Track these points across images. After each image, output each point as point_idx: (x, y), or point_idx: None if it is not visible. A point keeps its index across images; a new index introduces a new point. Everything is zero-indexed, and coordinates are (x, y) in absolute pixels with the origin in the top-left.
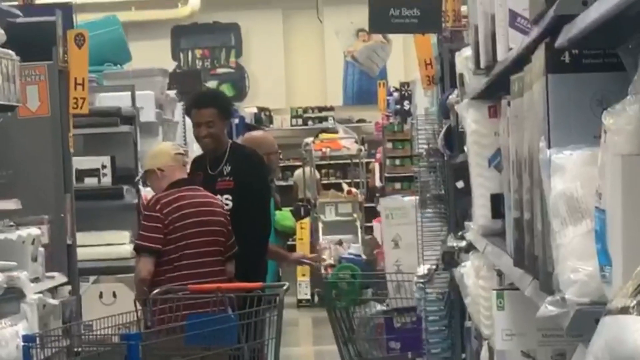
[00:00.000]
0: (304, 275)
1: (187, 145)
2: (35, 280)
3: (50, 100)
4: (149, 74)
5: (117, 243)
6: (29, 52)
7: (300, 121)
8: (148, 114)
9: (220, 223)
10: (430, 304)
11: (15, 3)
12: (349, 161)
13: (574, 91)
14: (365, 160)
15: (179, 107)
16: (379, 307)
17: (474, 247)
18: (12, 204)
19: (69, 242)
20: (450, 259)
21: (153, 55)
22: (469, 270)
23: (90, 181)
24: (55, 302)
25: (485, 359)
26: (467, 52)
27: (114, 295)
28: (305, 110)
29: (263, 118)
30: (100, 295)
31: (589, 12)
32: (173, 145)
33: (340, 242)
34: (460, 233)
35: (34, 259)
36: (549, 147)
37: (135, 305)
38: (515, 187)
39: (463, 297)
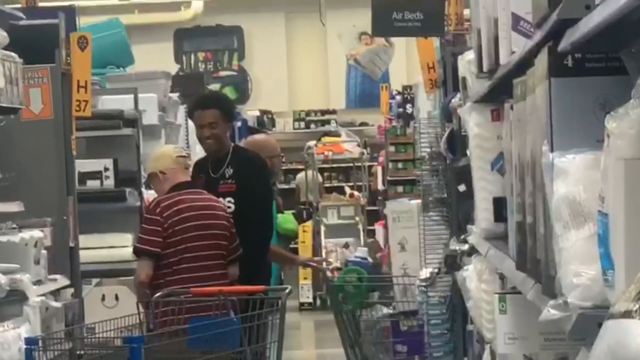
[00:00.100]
0: (305, 278)
1: (189, 148)
2: (38, 282)
3: (53, 103)
4: (151, 76)
5: (120, 246)
6: (32, 54)
7: (302, 124)
8: (151, 117)
9: (222, 226)
10: (432, 307)
11: (19, 6)
12: (351, 164)
13: (576, 95)
14: (367, 164)
15: (182, 109)
16: (385, 310)
17: (477, 250)
18: (14, 207)
19: (71, 244)
20: (452, 262)
21: (156, 58)
22: (471, 274)
23: (92, 184)
24: (57, 304)
25: None
26: (470, 55)
27: (117, 298)
28: (307, 114)
29: (265, 121)
30: (103, 298)
31: (592, 16)
32: (175, 148)
33: (346, 245)
34: (462, 236)
35: (37, 262)
36: (552, 150)
37: (138, 308)
38: (518, 191)
39: (465, 301)
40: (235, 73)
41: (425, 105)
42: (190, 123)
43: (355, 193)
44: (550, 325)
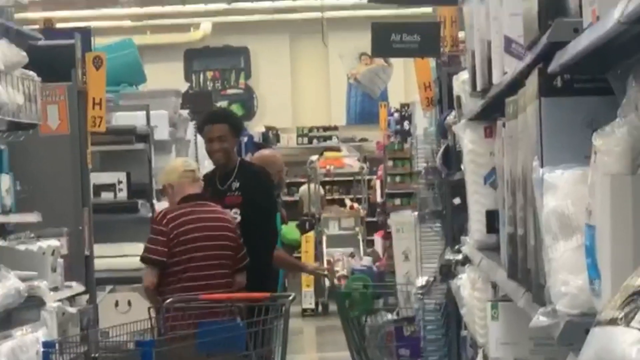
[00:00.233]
0: (308, 286)
1: (198, 162)
2: (55, 289)
3: (70, 119)
4: (162, 94)
5: (132, 254)
6: (50, 73)
7: (305, 140)
8: (162, 132)
9: (228, 237)
10: (428, 313)
11: (37, 27)
12: (351, 178)
13: (565, 114)
14: (367, 177)
15: (191, 126)
16: (389, 316)
17: (470, 260)
18: (33, 217)
19: (86, 253)
20: (447, 272)
21: (167, 76)
22: (465, 282)
23: (106, 196)
24: (73, 310)
25: None
26: (464, 75)
27: (129, 303)
28: (310, 130)
29: (270, 137)
30: (116, 304)
31: (580, 40)
32: (184, 162)
33: (352, 255)
34: (457, 247)
35: (54, 269)
36: (542, 166)
37: (150, 314)
38: (510, 204)
39: (459, 308)
40: (242, 91)
41: (422, 122)
42: (199, 138)
43: (355, 205)
44: (539, 331)
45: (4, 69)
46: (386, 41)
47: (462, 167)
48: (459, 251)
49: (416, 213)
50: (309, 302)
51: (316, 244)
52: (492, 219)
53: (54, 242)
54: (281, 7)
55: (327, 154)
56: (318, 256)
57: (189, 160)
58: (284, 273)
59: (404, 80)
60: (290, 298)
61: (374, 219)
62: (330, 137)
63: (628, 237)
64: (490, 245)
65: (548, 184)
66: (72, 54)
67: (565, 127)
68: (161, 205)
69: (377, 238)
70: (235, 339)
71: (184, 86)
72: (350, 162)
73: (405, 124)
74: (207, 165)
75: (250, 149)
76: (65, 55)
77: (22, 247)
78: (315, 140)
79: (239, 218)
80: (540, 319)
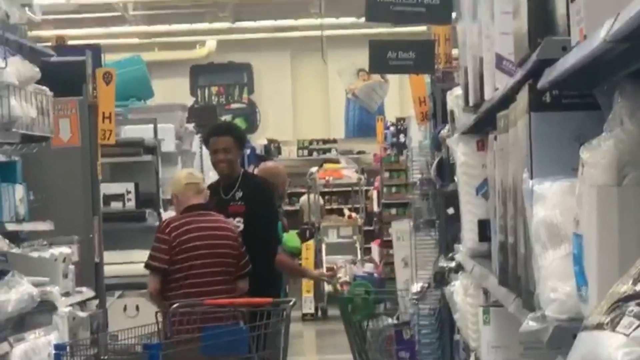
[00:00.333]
0: (308, 291)
1: (203, 173)
2: (66, 294)
3: (81, 132)
4: (169, 108)
5: (140, 261)
6: (62, 88)
7: (306, 152)
8: (168, 145)
9: (229, 246)
10: (423, 318)
11: (50, 44)
12: (349, 189)
13: (554, 128)
14: (364, 188)
15: (197, 138)
16: (390, 320)
17: (463, 267)
18: (45, 225)
19: (96, 260)
20: (441, 278)
21: (173, 91)
22: (458, 288)
23: (116, 205)
24: (84, 314)
25: None
26: (458, 91)
27: (137, 308)
28: (310, 142)
29: (272, 149)
30: (125, 309)
31: (568, 57)
32: (188, 174)
33: (354, 262)
34: (450, 255)
35: (65, 275)
36: (532, 178)
37: (157, 318)
38: (501, 214)
39: (452, 313)
40: (245, 105)
41: (417, 135)
42: (205, 150)
43: (353, 214)
44: (529, 335)
45: (18, 84)
46: (383, 58)
47: (456, 178)
48: (452, 259)
49: (411, 222)
50: (309, 307)
51: (316, 252)
52: (484, 228)
53: (65, 250)
54: (283, 26)
55: (327, 165)
56: (318, 263)
57: (195, 171)
58: (285, 279)
59: (400, 96)
60: (291, 303)
61: (371, 228)
62: (329, 150)
63: (614, 246)
64: (482, 253)
65: (537, 194)
66: (83, 70)
67: (554, 141)
68: (168, 214)
69: (374, 246)
70: (239, 343)
71: (189, 101)
72: (349, 173)
73: (401, 137)
74: (212, 176)
75: (253, 161)
76: (77, 71)
77: (35, 254)
78: (315, 153)
79: (241, 226)
80: (530, 323)
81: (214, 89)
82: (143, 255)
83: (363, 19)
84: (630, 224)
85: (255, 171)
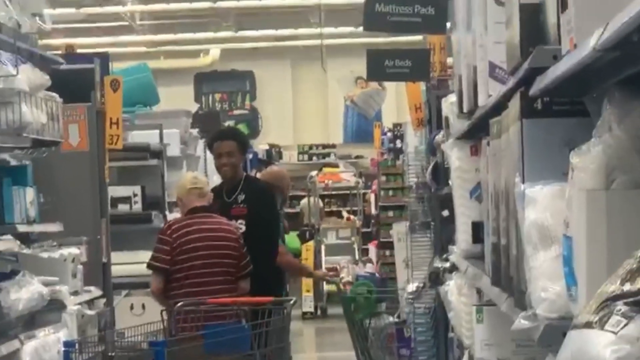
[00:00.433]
0: (308, 291)
1: (207, 176)
2: (75, 293)
3: (89, 137)
4: (174, 114)
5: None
6: (71, 95)
7: (306, 157)
8: (174, 150)
9: (229, 247)
10: (418, 317)
11: (59, 52)
12: (348, 192)
13: (545, 134)
14: (362, 191)
15: (201, 143)
16: (391, 318)
17: (457, 268)
18: (55, 227)
19: (104, 260)
20: (436, 278)
21: (178, 98)
22: (452, 288)
23: (123, 207)
24: (92, 312)
25: None
26: (452, 98)
27: (143, 307)
28: (310, 147)
29: (273, 154)
30: (131, 307)
31: (558, 66)
32: (192, 178)
33: (356, 262)
34: (445, 255)
35: (74, 275)
36: (523, 182)
37: (162, 316)
38: (493, 216)
39: (447, 312)
40: (247, 112)
41: (413, 140)
42: (209, 155)
43: (352, 217)
44: (521, 333)
45: (29, 91)
46: (380, 66)
47: (450, 182)
48: (447, 259)
49: (408, 224)
50: (308, 306)
51: (315, 253)
52: (477, 230)
53: (74, 250)
54: (284, 35)
55: (326, 169)
56: (317, 264)
57: (199, 175)
58: (286, 279)
59: (396, 102)
60: (292, 302)
61: (369, 230)
62: (328, 154)
63: (602, 248)
64: (476, 254)
65: (529, 198)
66: (92, 77)
67: (545, 146)
68: (173, 216)
69: (372, 247)
70: (241, 340)
71: (194, 107)
72: (347, 177)
73: (398, 142)
74: (216, 180)
75: (255, 165)
76: (85, 78)
77: (45, 255)
78: (314, 157)
79: (243, 228)
80: (521, 322)
81: (218, 96)
82: (149, 255)
83: (361, 29)
84: (618, 226)
85: (259, 175)
